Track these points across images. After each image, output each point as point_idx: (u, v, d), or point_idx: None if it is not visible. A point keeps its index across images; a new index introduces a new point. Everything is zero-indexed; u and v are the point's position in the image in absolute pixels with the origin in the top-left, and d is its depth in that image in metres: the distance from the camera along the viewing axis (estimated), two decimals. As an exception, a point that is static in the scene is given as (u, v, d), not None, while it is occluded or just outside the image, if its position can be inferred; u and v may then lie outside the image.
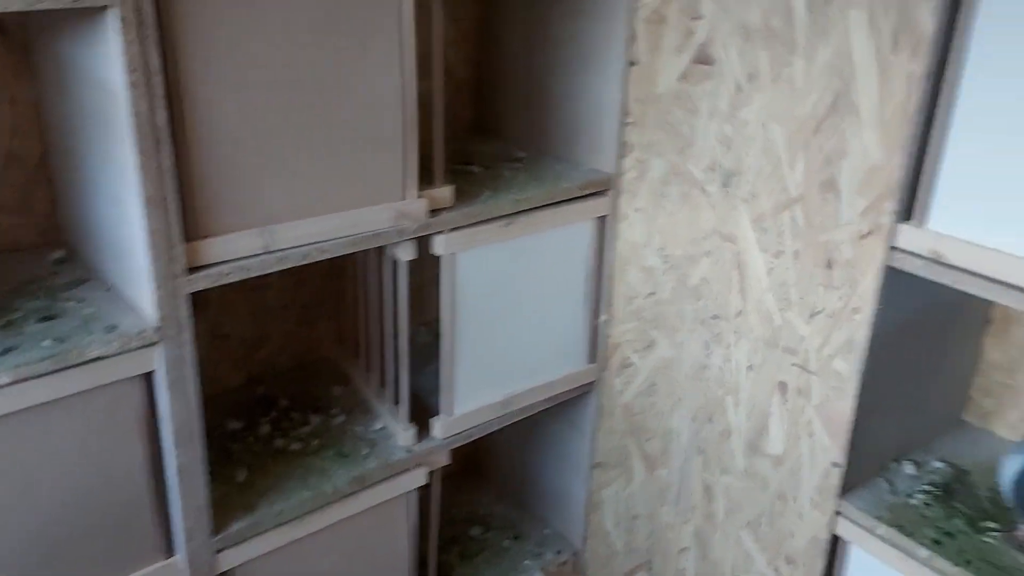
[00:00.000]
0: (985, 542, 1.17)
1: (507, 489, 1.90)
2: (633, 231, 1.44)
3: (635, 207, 1.42)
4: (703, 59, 1.25)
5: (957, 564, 1.12)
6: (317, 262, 1.16)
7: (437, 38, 1.19)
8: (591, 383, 1.58)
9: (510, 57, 1.58)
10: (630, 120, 1.39)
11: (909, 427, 1.34)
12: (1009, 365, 1.37)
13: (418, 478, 1.40)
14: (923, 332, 1.25)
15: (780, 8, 1.13)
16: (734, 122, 1.23)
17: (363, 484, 1.33)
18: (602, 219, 1.46)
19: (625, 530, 1.61)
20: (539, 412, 1.55)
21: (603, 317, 1.53)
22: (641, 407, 1.51)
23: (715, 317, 1.34)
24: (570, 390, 1.56)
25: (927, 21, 0.99)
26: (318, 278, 1.54)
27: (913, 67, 1.01)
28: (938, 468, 1.32)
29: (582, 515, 1.70)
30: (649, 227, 1.41)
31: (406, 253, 1.24)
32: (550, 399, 1.54)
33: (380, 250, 1.31)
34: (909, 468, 1.31)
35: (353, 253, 1.25)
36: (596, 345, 1.55)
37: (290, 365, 1.58)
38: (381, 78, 1.12)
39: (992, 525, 1.20)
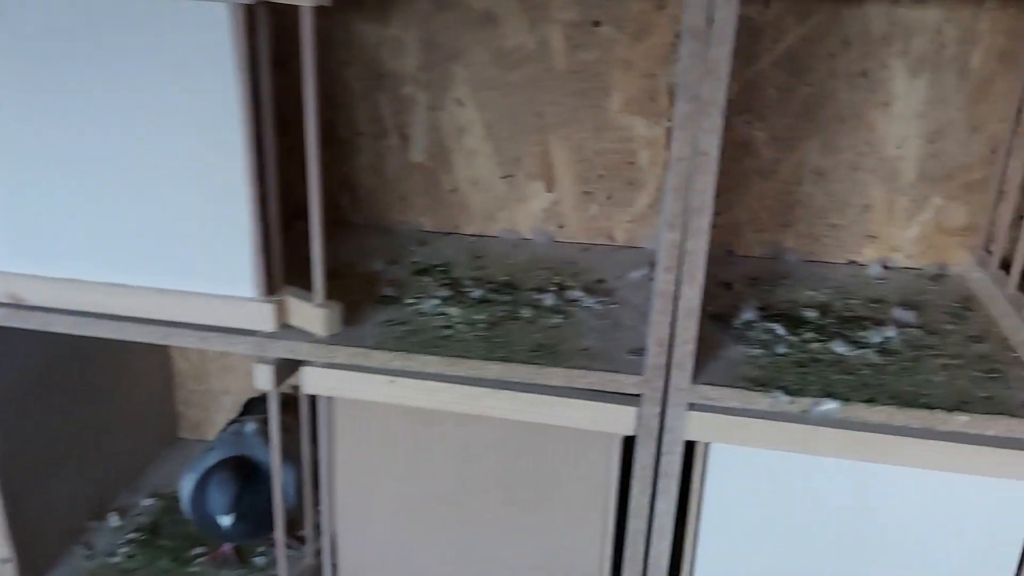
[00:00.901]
0: (193, 572, 1.10)
1: None
2: None
3: None
4: None
5: (157, 615, 1.03)
6: None
7: None
8: None
9: None
10: None
11: (106, 474, 1.21)
12: (197, 372, 1.33)
13: None
14: (80, 372, 1.11)
15: None
16: None
17: None
18: None
19: None
20: None
21: None
22: None
23: None
24: None
25: None
26: None
27: None
28: (147, 506, 1.22)
29: None
30: None
31: None
32: None
33: None
34: (113, 520, 1.18)
35: None
36: None
37: None
38: None
39: (200, 550, 1.13)
